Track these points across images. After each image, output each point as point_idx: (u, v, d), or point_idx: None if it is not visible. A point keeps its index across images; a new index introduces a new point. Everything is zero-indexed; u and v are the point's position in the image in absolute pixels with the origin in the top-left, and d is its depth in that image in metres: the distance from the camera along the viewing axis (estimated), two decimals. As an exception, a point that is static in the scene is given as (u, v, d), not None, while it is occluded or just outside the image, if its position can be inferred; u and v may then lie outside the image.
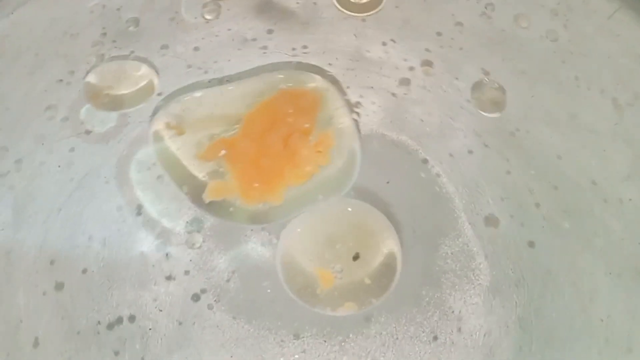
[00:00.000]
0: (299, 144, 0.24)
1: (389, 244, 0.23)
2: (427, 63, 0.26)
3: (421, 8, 0.28)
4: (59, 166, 0.24)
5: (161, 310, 0.23)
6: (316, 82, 0.26)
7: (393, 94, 0.26)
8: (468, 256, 0.23)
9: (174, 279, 0.23)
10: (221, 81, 0.26)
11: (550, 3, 0.27)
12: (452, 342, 0.22)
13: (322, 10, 0.28)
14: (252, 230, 0.24)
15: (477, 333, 0.22)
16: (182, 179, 0.24)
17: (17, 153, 0.25)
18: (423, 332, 0.22)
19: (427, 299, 0.23)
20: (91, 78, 0.26)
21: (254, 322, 0.22)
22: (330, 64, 0.26)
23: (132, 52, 0.27)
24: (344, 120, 0.25)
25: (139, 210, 0.24)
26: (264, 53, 0.27)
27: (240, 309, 0.23)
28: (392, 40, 0.27)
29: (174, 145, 0.25)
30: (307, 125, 0.25)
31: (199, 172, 0.24)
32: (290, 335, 0.22)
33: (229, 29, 0.27)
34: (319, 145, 0.24)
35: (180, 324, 0.22)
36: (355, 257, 0.23)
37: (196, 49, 0.27)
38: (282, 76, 0.26)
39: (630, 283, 0.23)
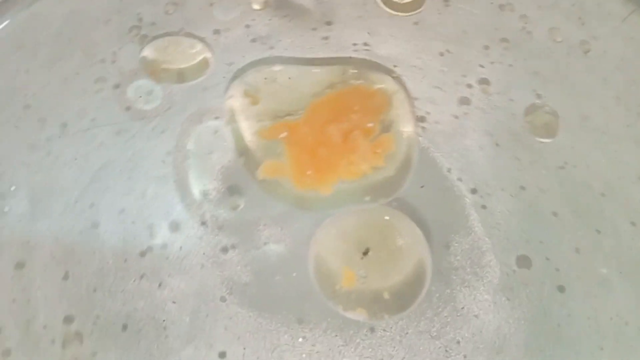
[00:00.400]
0: (359, 141, 0.24)
1: (420, 266, 0.23)
2: (485, 81, 0.26)
3: (465, 17, 0.28)
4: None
5: (174, 303, 0.23)
6: (386, 83, 0.26)
7: (455, 117, 0.26)
8: (478, 253, 0.23)
9: (188, 272, 0.23)
10: (297, 61, 0.26)
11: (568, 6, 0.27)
12: (462, 338, 0.23)
13: (369, 7, 0.28)
14: (265, 224, 0.24)
15: (486, 330, 0.23)
16: (241, 150, 0.25)
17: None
18: (433, 327, 0.23)
19: (438, 294, 0.23)
20: (147, 53, 0.26)
21: (266, 316, 0.23)
22: (395, 66, 0.26)
23: (182, 29, 0.27)
24: (406, 127, 0.25)
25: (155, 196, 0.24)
26: (326, 43, 0.27)
27: (252, 302, 0.23)
28: (447, 51, 0.27)
29: (242, 118, 0.25)
30: (370, 125, 0.25)
31: (258, 148, 0.25)
32: (303, 328, 0.23)
33: (285, 15, 0.27)
34: (378, 147, 0.24)
35: (193, 316, 0.23)
36: (365, 252, 0.23)
37: (247, 26, 0.27)
38: (355, 71, 0.26)
39: None
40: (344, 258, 0.23)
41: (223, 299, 0.23)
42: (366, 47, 0.27)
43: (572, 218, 0.24)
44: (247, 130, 0.25)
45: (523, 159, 0.25)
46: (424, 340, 0.22)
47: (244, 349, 0.22)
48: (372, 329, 0.23)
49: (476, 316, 0.23)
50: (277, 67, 0.26)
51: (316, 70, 0.26)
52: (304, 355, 0.22)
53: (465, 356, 0.22)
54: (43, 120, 0.25)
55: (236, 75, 0.26)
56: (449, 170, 0.25)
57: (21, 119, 0.25)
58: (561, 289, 0.23)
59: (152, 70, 0.26)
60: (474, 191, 0.24)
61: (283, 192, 0.24)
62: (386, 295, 0.23)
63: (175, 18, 0.27)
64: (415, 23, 0.27)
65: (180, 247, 0.24)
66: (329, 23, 0.27)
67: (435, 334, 0.23)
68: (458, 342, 0.22)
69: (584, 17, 0.27)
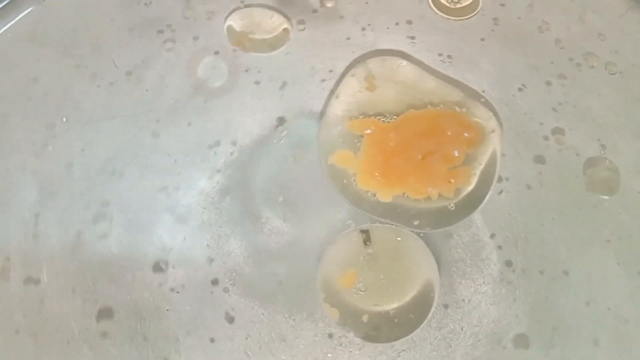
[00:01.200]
0: (437, 165, 0.24)
1: (423, 299, 0.23)
2: (559, 131, 0.25)
3: (516, 46, 0.27)
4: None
5: (178, 293, 0.23)
6: (486, 120, 0.25)
7: (531, 184, 0.25)
8: (479, 246, 0.24)
9: (191, 262, 0.24)
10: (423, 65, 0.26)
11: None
12: (462, 329, 0.23)
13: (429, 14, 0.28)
14: (267, 217, 0.24)
15: (486, 320, 0.23)
16: (326, 130, 0.25)
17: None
18: (434, 318, 0.23)
19: (438, 286, 0.23)
20: (232, 22, 0.27)
21: (268, 306, 0.23)
22: (484, 91, 0.26)
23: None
24: (489, 170, 0.24)
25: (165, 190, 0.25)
26: (413, 44, 0.27)
27: (254, 293, 0.23)
28: (523, 85, 0.26)
29: (346, 99, 0.25)
30: (455, 154, 0.24)
31: (340, 135, 0.25)
32: (303, 319, 0.23)
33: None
34: (454, 177, 0.24)
35: (196, 306, 0.23)
36: (366, 240, 0.24)
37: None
38: (462, 95, 0.25)
39: (638, 273, 0.23)
40: (353, 266, 0.23)
41: (225, 290, 0.23)
42: (450, 61, 0.26)
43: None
44: (341, 112, 0.25)
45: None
46: (425, 331, 0.23)
47: (246, 338, 0.23)
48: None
49: (476, 307, 0.23)
50: (403, 62, 0.26)
51: (431, 83, 0.25)
52: (302, 346, 0.22)
53: (465, 347, 0.22)
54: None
55: (364, 57, 0.26)
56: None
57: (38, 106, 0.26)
58: (561, 280, 0.23)
59: (237, 40, 0.26)
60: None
61: (343, 183, 0.24)
62: (364, 319, 0.23)
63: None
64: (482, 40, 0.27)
65: (184, 238, 0.24)
66: (409, 22, 0.27)
67: (435, 324, 0.23)
68: (457, 333, 0.23)
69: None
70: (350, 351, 0.23)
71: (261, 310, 0.23)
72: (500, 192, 0.24)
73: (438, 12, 0.27)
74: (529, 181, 0.24)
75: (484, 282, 0.23)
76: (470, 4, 0.28)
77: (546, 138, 0.25)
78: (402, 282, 0.23)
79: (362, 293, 0.23)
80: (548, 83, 0.26)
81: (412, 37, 0.27)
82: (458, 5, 0.28)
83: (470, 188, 0.24)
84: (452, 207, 0.24)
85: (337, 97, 0.25)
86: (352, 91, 0.25)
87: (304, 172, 0.25)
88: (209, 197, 0.24)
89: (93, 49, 0.26)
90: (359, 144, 0.24)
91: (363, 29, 0.27)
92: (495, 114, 0.25)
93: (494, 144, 0.25)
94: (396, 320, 0.23)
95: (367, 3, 0.27)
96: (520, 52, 0.26)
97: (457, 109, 0.25)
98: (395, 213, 0.24)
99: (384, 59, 0.26)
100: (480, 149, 0.24)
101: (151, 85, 0.26)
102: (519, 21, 0.27)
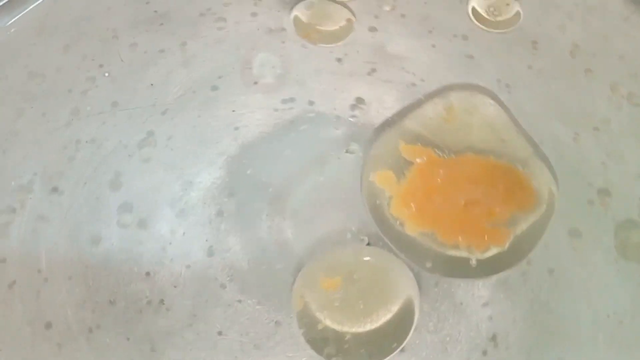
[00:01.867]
0: (477, 217, 0.23)
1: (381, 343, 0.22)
2: (605, 192, 0.24)
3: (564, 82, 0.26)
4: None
5: (175, 287, 0.23)
6: (545, 186, 0.23)
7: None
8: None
9: (190, 257, 0.24)
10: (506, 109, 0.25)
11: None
12: (459, 332, 0.23)
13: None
14: (267, 215, 0.24)
15: (484, 325, 0.23)
16: (380, 146, 0.24)
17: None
18: (430, 321, 0.23)
19: (436, 289, 0.23)
20: (298, 12, 0.27)
21: (265, 303, 0.23)
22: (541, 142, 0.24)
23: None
24: (528, 241, 0.23)
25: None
26: (473, 62, 0.26)
27: (252, 289, 0.23)
28: (576, 134, 0.25)
29: (411, 121, 0.24)
30: (497, 210, 0.23)
31: (390, 156, 0.24)
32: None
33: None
34: (490, 236, 0.23)
35: (193, 300, 0.23)
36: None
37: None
38: (530, 153, 0.24)
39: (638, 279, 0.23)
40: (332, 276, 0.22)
41: (223, 286, 0.23)
42: (509, 90, 0.26)
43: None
44: (401, 133, 0.24)
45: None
46: (422, 335, 0.23)
47: (242, 335, 0.23)
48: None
49: (474, 311, 0.23)
50: (490, 102, 0.25)
51: (507, 134, 0.24)
52: (300, 344, 0.22)
53: (462, 351, 0.22)
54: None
55: (448, 88, 0.26)
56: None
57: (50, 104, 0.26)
58: (559, 285, 0.23)
59: (304, 32, 0.27)
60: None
61: (376, 203, 0.23)
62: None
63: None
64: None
65: (184, 233, 0.24)
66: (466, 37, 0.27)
67: (432, 328, 0.23)
68: (455, 337, 0.23)
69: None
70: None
71: (258, 307, 0.23)
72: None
73: (477, 23, 0.27)
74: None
75: (482, 286, 0.23)
76: (511, 18, 0.27)
77: (591, 202, 0.24)
78: (374, 316, 0.22)
79: (336, 305, 0.22)
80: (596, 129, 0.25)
81: (471, 56, 0.26)
82: (498, 18, 0.27)
83: (500, 250, 0.23)
84: (474, 263, 0.23)
85: (405, 116, 0.25)
86: (424, 116, 0.25)
87: (315, 175, 0.25)
88: (210, 192, 0.24)
89: (102, 41, 0.27)
90: (405, 169, 0.24)
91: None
92: (555, 178, 0.24)
93: (544, 216, 0.23)
94: (346, 347, 0.22)
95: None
96: (568, 87, 0.26)
97: (520, 167, 0.23)
98: (413, 246, 0.23)
99: (472, 94, 0.25)
100: (529, 215, 0.23)
101: (155, 80, 0.26)
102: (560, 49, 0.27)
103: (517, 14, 0.28)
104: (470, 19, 0.28)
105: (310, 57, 0.27)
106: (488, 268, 0.23)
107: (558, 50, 0.27)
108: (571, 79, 0.26)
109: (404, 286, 0.22)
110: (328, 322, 0.22)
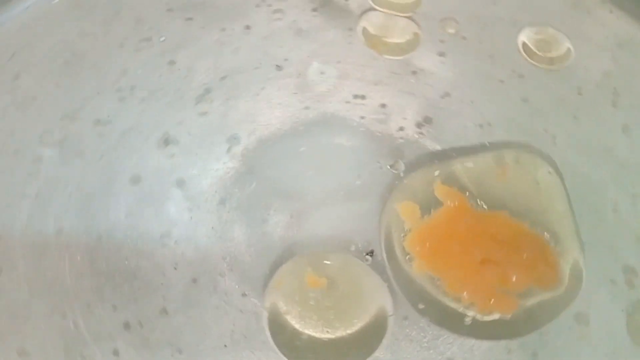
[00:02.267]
0: (490, 278, 0.22)
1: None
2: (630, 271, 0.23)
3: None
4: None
5: (175, 269, 0.23)
6: (571, 268, 0.22)
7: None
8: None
9: (193, 241, 0.24)
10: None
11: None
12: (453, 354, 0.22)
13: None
14: (274, 210, 0.24)
15: (477, 346, 0.22)
16: (415, 177, 0.24)
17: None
18: (424, 338, 0.22)
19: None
20: (365, 24, 0.27)
21: (260, 296, 0.23)
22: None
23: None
24: (535, 319, 0.22)
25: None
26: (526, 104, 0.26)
27: (249, 281, 0.23)
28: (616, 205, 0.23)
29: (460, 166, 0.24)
30: (513, 278, 0.22)
31: (422, 190, 0.23)
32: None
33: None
34: (498, 301, 0.21)
35: (191, 284, 0.23)
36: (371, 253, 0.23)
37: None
38: (570, 232, 0.22)
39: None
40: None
41: (222, 274, 0.23)
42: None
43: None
44: (437, 172, 0.23)
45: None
46: (415, 350, 0.22)
47: (234, 324, 0.23)
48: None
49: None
50: (547, 168, 0.23)
51: (556, 206, 0.23)
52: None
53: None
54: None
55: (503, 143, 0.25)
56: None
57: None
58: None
59: (372, 43, 0.27)
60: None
61: (390, 231, 0.23)
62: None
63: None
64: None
65: (191, 217, 0.24)
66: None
67: (426, 345, 0.22)
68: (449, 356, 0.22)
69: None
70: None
71: (254, 301, 0.23)
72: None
73: (528, 58, 0.26)
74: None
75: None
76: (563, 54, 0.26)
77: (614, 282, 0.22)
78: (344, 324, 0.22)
79: (311, 304, 0.22)
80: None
81: (526, 99, 0.26)
82: (548, 55, 0.26)
83: (502, 317, 0.22)
84: (469, 321, 0.22)
85: (454, 157, 0.24)
86: (478, 167, 0.23)
87: (327, 180, 0.25)
88: (222, 181, 0.25)
89: (136, 23, 0.27)
90: (433, 208, 0.23)
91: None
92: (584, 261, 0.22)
93: (560, 299, 0.22)
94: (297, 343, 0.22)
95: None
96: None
97: (552, 243, 0.22)
98: (412, 284, 0.22)
99: (532, 157, 0.24)
100: (545, 293, 0.22)
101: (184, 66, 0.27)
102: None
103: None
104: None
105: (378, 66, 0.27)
106: (480, 331, 0.22)
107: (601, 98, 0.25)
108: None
109: (377, 304, 0.22)
110: (293, 317, 0.22)
